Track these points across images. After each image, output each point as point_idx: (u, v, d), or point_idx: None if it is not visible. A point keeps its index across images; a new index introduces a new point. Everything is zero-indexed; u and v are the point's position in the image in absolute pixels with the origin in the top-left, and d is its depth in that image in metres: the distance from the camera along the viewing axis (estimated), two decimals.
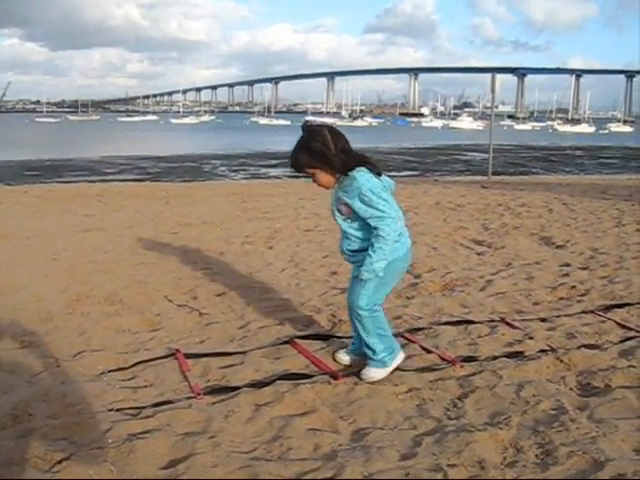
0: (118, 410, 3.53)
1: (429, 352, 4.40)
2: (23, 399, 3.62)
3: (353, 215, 3.83)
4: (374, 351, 4.00)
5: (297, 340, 4.57)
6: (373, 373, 3.99)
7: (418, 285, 6.14)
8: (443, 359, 4.25)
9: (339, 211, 3.90)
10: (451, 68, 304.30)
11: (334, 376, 3.93)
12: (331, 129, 3.87)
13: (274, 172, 24.19)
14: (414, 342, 4.59)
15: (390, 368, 4.03)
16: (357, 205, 3.75)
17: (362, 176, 3.76)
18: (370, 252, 3.75)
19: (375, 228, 3.74)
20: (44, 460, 3.02)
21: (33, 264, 6.88)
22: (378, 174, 3.88)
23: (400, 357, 4.12)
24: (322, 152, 3.74)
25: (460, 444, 3.12)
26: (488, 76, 20.10)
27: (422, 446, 3.14)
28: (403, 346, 4.52)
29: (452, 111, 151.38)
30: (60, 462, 2.99)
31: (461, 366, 4.12)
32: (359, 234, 3.88)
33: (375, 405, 3.60)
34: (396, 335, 4.67)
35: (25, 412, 3.50)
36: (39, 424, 3.36)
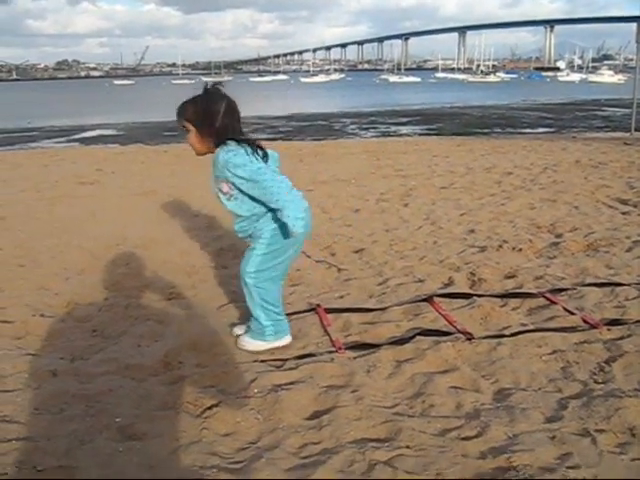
0: (262, 361, 3.65)
1: (572, 314, 4.25)
2: (173, 348, 3.80)
3: (234, 192, 3.66)
4: (257, 322, 3.87)
5: (436, 298, 4.53)
6: (247, 342, 3.92)
7: (560, 245, 5.93)
8: (586, 322, 4.09)
9: (220, 191, 3.72)
10: (590, 18, 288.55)
11: (469, 337, 3.87)
12: (229, 102, 3.70)
13: (405, 130, 23.90)
14: (556, 303, 4.44)
15: (267, 345, 3.87)
16: (233, 178, 3.58)
17: (226, 150, 3.59)
18: (282, 215, 3.54)
19: (263, 189, 3.54)
20: (195, 405, 3.17)
21: (176, 220, 7.16)
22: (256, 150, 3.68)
23: (284, 341, 3.94)
24: (205, 115, 3.63)
25: (609, 409, 3.01)
26: (630, 26, 19.01)
27: (568, 409, 3.05)
28: (545, 307, 4.41)
29: (590, 64, 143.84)
30: (210, 408, 3.13)
31: (608, 329, 3.95)
32: (244, 211, 3.72)
33: (518, 365, 3.53)
34: (536, 295, 4.56)
35: (176, 360, 3.67)
36: (189, 372, 3.51)
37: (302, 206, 3.65)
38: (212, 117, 3.62)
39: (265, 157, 3.72)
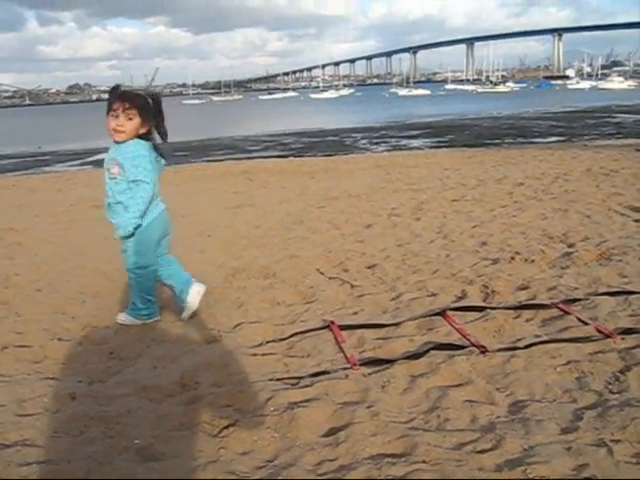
0: (278, 380, 3.65)
1: (586, 324, 4.24)
2: (189, 368, 3.82)
3: (120, 176, 4.29)
4: (135, 305, 4.68)
5: (449, 312, 4.54)
6: (125, 317, 4.71)
7: (572, 254, 5.92)
8: (600, 331, 4.08)
9: (109, 172, 4.35)
10: (597, 26, 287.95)
11: (483, 350, 3.87)
12: (158, 102, 4.47)
13: (415, 143, 23.97)
14: (570, 313, 4.43)
15: (139, 321, 4.68)
16: (128, 166, 4.26)
17: (138, 144, 4.33)
18: (128, 211, 4.31)
19: (136, 190, 4.28)
20: (212, 425, 3.18)
21: (189, 241, 7.20)
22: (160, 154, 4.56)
23: (152, 320, 4.73)
24: (150, 110, 4.34)
25: (624, 419, 2.99)
26: (638, 32, 18.93)
27: (583, 420, 3.04)
28: (558, 317, 4.41)
29: (600, 71, 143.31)
30: (227, 427, 3.14)
31: (622, 338, 3.94)
32: (121, 196, 4.33)
33: (532, 377, 3.52)
34: (550, 306, 4.56)
35: (192, 380, 3.70)
36: (205, 392, 3.53)
37: (154, 212, 4.52)
38: (154, 115, 4.38)
39: (158, 161, 4.53)
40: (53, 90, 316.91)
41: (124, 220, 4.35)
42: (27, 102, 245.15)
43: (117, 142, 4.35)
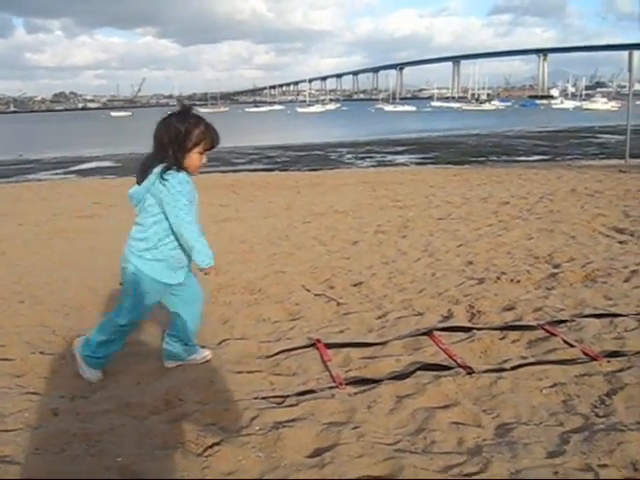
0: (263, 398, 3.62)
1: (572, 346, 4.24)
2: (174, 385, 3.79)
3: None
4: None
5: (436, 332, 4.53)
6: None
7: (558, 275, 5.94)
8: (586, 354, 4.08)
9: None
10: (582, 47, 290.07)
11: (470, 371, 3.86)
12: None
13: (401, 159, 24.04)
14: (556, 335, 4.43)
15: None
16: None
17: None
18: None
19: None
20: (196, 444, 3.14)
21: None
22: None
23: None
24: None
25: (611, 444, 2.97)
26: (622, 54, 19.20)
27: (570, 444, 3.02)
28: (544, 339, 4.41)
29: (584, 92, 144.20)
30: (211, 447, 3.10)
31: (608, 361, 3.95)
32: None
33: (519, 399, 3.51)
34: (536, 327, 4.57)
35: (176, 397, 3.67)
36: (190, 409, 3.50)
37: None
38: None
39: None
40: (39, 98, 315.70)
41: None
42: (11, 109, 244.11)
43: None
